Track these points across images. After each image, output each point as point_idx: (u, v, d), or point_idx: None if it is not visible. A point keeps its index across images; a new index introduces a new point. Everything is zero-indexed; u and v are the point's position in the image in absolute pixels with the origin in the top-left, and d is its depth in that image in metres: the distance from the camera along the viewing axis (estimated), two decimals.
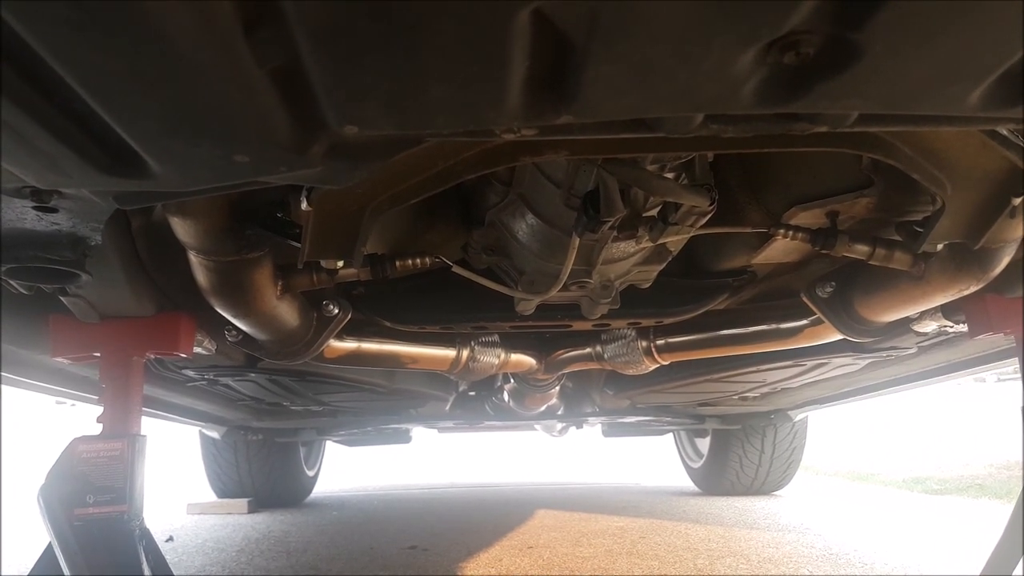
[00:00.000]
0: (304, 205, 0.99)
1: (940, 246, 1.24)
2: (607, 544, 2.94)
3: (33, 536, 3.12)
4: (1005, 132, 0.93)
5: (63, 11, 0.48)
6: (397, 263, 1.41)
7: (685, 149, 0.96)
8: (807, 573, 2.47)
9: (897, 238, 1.33)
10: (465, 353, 2.04)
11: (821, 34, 0.55)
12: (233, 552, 3.05)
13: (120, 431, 1.49)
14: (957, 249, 1.27)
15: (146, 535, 1.46)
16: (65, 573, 1.35)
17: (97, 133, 0.65)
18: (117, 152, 0.67)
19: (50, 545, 1.38)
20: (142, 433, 1.54)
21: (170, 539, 3.30)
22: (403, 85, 0.57)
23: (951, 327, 1.67)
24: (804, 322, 1.79)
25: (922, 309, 1.53)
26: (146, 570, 1.42)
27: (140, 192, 0.81)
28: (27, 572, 1.39)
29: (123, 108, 0.58)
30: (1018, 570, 1.49)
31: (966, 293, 1.35)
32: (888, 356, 2.07)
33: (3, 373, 1.80)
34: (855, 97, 0.63)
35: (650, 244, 1.38)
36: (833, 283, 1.61)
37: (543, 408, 3.19)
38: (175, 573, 1.54)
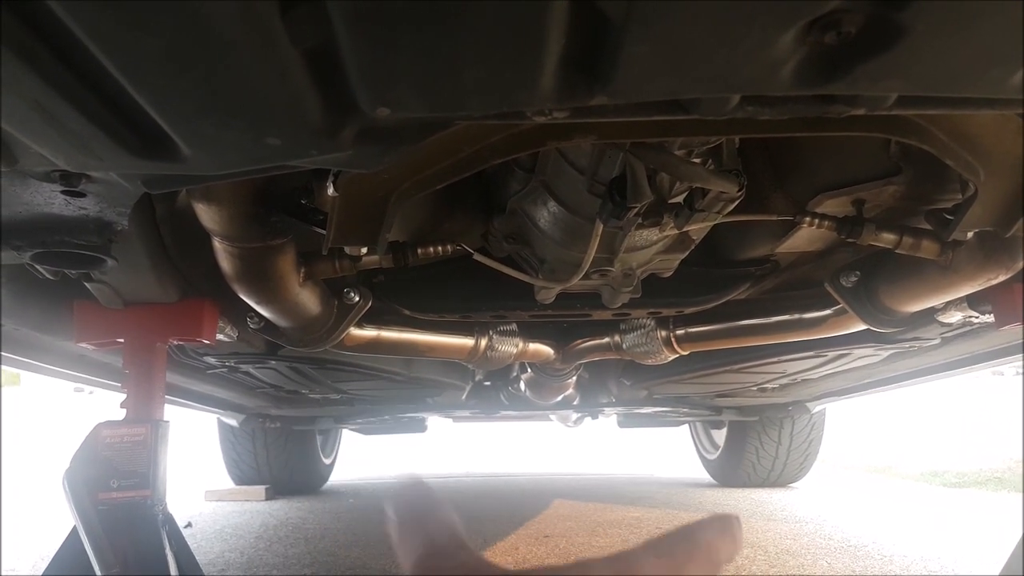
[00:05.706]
0: (331, 191, 0.98)
1: (969, 234, 1.22)
2: (623, 534, 2.94)
3: (41, 528, 3.16)
4: None
5: None
6: (419, 251, 1.41)
7: (718, 133, 0.95)
8: (825, 565, 2.45)
9: (925, 226, 1.31)
10: (483, 342, 2.04)
11: (863, 13, 0.54)
12: (251, 538, 3.08)
13: (143, 416, 1.51)
14: (986, 238, 1.25)
15: (169, 520, 1.47)
16: (90, 556, 1.37)
17: (128, 114, 0.65)
18: (148, 134, 0.67)
19: (75, 528, 1.40)
20: (165, 419, 1.55)
21: (188, 525, 3.33)
22: (437, 66, 0.57)
23: (977, 317, 1.65)
24: (827, 312, 1.77)
25: (948, 299, 1.51)
26: (169, 554, 1.43)
27: (169, 176, 0.81)
28: (52, 554, 1.41)
29: (155, 88, 0.58)
30: None
31: (994, 283, 1.33)
32: (911, 347, 2.04)
33: (27, 360, 1.82)
34: (895, 78, 0.62)
35: (674, 232, 1.36)
36: (858, 272, 1.59)
37: (559, 398, 3.18)
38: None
